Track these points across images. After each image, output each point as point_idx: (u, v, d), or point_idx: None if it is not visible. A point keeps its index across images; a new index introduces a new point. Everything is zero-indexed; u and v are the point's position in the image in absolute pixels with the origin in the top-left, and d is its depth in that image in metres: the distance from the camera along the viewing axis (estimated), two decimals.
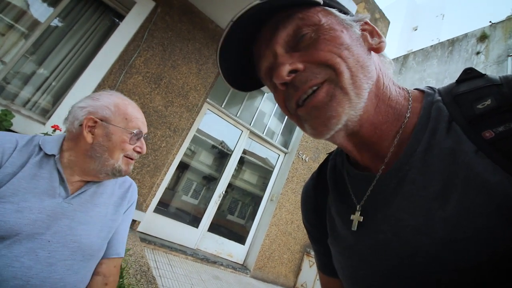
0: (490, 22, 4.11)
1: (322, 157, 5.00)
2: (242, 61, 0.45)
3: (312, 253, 4.42)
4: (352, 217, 0.40)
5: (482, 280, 0.27)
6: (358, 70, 0.36)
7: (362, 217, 0.39)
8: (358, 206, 0.40)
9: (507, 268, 0.26)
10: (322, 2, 0.38)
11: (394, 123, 0.38)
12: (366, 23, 0.42)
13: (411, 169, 0.34)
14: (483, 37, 4.08)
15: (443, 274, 0.29)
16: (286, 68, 0.36)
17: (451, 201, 0.30)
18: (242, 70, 0.46)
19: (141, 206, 3.07)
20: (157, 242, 3.33)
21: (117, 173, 0.76)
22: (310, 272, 4.32)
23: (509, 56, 3.48)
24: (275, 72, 0.37)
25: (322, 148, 5.00)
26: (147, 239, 3.26)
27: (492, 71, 3.70)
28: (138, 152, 0.80)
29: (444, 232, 0.29)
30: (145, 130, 0.81)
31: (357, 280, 0.39)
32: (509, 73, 3.40)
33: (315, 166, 4.89)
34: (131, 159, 0.79)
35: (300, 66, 0.36)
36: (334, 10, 0.40)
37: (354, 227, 0.39)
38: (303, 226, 4.60)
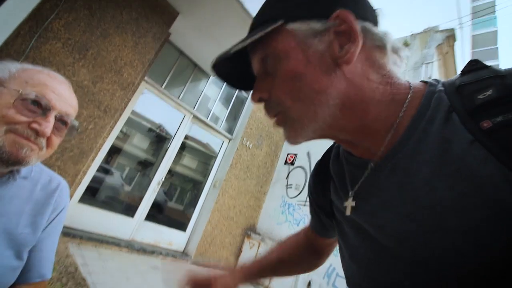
0: (411, 32, 4.83)
1: (266, 145, 5.16)
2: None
3: (253, 235, 4.62)
4: (345, 203, 0.43)
5: (470, 273, 0.28)
6: (313, 97, 0.37)
7: (354, 202, 0.41)
8: (350, 192, 0.42)
9: (493, 259, 0.26)
10: (283, 21, 0.38)
11: (389, 119, 0.37)
12: (340, 22, 0.36)
13: (404, 157, 0.35)
14: (405, 44, 4.77)
15: (432, 261, 0.30)
16: (256, 96, 0.43)
17: (438, 190, 0.31)
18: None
19: None
20: (84, 236, 2.95)
21: None
22: (250, 253, 4.51)
23: (423, 63, 4.16)
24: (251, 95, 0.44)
25: (266, 136, 5.14)
26: (71, 233, 2.85)
27: (409, 76, 4.37)
28: (35, 131, 0.53)
29: (431, 221, 0.31)
30: (61, 107, 0.58)
31: (357, 259, 0.42)
32: (422, 78, 4.07)
33: (258, 152, 5.02)
34: (25, 138, 0.53)
35: (265, 96, 0.42)
36: (297, 26, 0.37)
37: (348, 212, 0.42)
38: (244, 210, 4.76)
